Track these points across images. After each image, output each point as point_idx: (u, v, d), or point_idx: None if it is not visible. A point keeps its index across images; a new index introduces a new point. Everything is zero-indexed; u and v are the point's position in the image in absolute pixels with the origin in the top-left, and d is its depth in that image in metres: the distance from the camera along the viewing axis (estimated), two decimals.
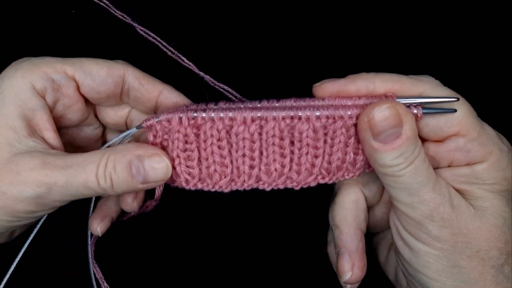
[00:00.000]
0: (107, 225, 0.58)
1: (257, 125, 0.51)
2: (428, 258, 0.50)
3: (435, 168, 0.52)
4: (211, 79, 0.62)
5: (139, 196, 0.58)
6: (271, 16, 0.71)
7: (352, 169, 0.54)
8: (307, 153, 0.52)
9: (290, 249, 0.70)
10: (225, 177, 0.53)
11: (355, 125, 0.51)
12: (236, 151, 0.52)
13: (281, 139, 0.52)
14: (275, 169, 0.53)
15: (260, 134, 0.51)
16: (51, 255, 0.67)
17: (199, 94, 0.57)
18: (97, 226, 0.58)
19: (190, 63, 0.62)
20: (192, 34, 0.70)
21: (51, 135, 0.52)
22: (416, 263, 0.51)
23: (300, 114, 0.50)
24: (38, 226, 0.57)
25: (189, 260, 0.69)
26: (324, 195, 0.61)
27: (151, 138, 0.53)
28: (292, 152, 0.52)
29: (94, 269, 0.59)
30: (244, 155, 0.52)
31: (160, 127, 0.52)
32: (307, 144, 0.52)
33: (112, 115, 0.58)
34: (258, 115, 0.51)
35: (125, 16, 0.65)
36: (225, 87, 0.61)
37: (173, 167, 0.53)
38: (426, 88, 0.51)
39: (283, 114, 0.50)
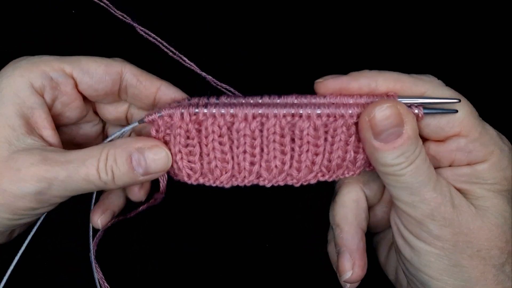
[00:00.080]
0: (108, 218, 0.58)
1: (258, 122, 0.51)
2: (429, 257, 0.50)
3: (436, 167, 0.52)
4: (213, 79, 0.62)
5: (145, 186, 0.58)
6: (271, 16, 0.71)
7: (353, 168, 0.54)
8: (307, 151, 0.53)
9: (290, 248, 0.70)
10: (226, 173, 0.54)
11: (356, 123, 0.51)
12: (237, 148, 0.52)
13: (282, 136, 0.52)
14: (276, 166, 0.53)
15: (261, 131, 0.52)
16: (52, 251, 0.67)
17: (200, 94, 0.57)
18: (98, 218, 0.58)
19: (191, 63, 0.62)
20: (192, 34, 0.70)
21: (49, 133, 0.52)
22: (417, 262, 0.51)
23: (301, 111, 0.51)
24: (36, 226, 0.57)
25: (190, 260, 0.69)
26: (324, 193, 0.61)
27: (153, 132, 0.53)
28: (292, 149, 0.53)
29: (96, 268, 0.59)
30: (245, 152, 0.53)
31: (162, 122, 0.52)
32: (308, 142, 0.52)
33: (112, 110, 0.58)
34: (259, 112, 0.51)
35: (125, 16, 0.65)
36: (227, 87, 0.61)
37: (175, 162, 0.53)
38: (428, 88, 0.51)
39: (284, 112, 0.51)
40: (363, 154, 0.54)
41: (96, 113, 0.60)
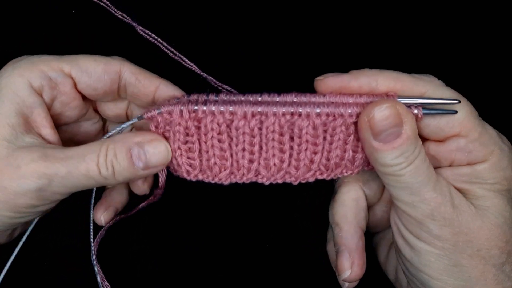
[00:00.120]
0: (110, 215, 0.58)
1: (257, 120, 0.51)
2: (429, 257, 0.50)
3: (436, 167, 0.53)
4: (214, 79, 0.62)
5: (148, 179, 0.59)
6: (271, 16, 0.71)
7: (351, 167, 0.55)
8: (306, 149, 0.53)
9: (288, 247, 0.70)
10: (225, 170, 0.54)
11: (355, 123, 0.51)
12: (236, 145, 0.53)
13: (281, 134, 0.52)
14: (274, 164, 0.53)
15: (260, 129, 0.52)
16: (52, 251, 0.67)
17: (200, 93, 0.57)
18: (101, 215, 0.58)
19: (192, 64, 0.62)
20: (192, 34, 0.70)
21: (48, 132, 0.52)
22: (417, 262, 0.51)
23: (300, 110, 0.51)
24: (31, 227, 0.57)
25: (190, 260, 0.69)
26: (322, 191, 0.61)
27: (153, 128, 0.53)
28: (291, 147, 0.53)
29: (97, 268, 0.59)
30: (244, 149, 0.53)
31: (162, 118, 0.52)
32: (307, 141, 0.52)
33: (113, 107, 0.58)
34: (259, 110, 0.51)
35: (125, 16, 0.65)
36: (228, 87, 0.61)
37: (175, 158, 0.54)
38: (428, 88, 0.51)
39: (283, 110, 0.51)
40: (362, 154, 0.54)
41: (96, 111, 0.60)
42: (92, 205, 0.59)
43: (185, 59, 0.63)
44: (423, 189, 0.49)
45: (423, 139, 0.52)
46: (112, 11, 0.66)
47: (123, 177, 0.51)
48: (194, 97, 0.53)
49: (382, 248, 0.62)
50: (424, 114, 0.50)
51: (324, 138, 0.52)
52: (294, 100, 0.52)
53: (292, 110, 0.51)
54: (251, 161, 0.53)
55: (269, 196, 0.68)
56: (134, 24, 0.65)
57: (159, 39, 0.64)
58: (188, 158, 0.54)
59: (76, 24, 0.68)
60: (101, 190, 0.62)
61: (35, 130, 0.52)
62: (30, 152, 0.49)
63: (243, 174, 0.54)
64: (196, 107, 0.51)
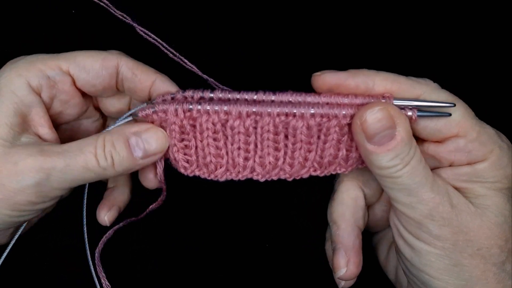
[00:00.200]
0: (114, 214, 0.58)
1: (252, 120, 0.52)
2: (430, 257, 0.50)
3: (436, 167, 0.53)
4: (214, 81, 0.62)
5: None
6: (271, 16, 0.71)
7: (345, 165, 0.55)
8: (300, 148, 0.53)
9: (288, 245, 0.70)
10: (220, 167, 0.55)
11: (349, 124, 0.52)
12: (232, 144, 0.53)
13: (276, 134, 0.52)
14: (269, 162, 0.54)
15: (255, 128, 0.52)
16: (53, 251, 0.67)
17: None
18: (105, 215, 0.58)
19: (192, 66, 0.62)
20: (192, 34, 0.70)
21: (46, 131, 0.53)
22: (418, 262, 0.51)
23: (294, 111, 0.51)
24: (23, 227, 0.57)
25: (190, 260, 0.69)
26: (317, 188, 0.63)
27: None
28: (286, 145, 0.53)
29: (98, 268, 0.59)
30: (239, 148, 0.53)
31: (157, 117, 0.52)
32: (301, 140, 0.53)
33: (115, 103, 0.58)
34: (254, 110, 0.51)
35: (125, 16, 0.65)
36: (227, 89, 0.61)
37: (172, 153, 0.54)
38: (424, 91, 0.51)
39: (278, 110, 0.51)
40: (356, 153, 0.54)
41: (96, 109, 0.60)
42: (84, 202, 0.59)
43: (185, 60, 0.63)
44: (421, 189, 0.49)
45: (422, 140, 0.53)
46: (112, 11, 0.66)
47: (123, 167, 0.51)
48: (189, 93, 0.53)
49: (382, 248, 0.62)
50: (418, 116, 0.51)
51: (318, 137, 0.53)
52: (289, 100, 0.52)
53: (286, 111, 0.51)
54: (246, 159, 0.54)
55: (266, 195, 0.69)
56: (134, 24, 0.65)
57: (159, 40, 0.64)
58: (185, 154, 0.55)
59: (76, 24, 0.68)
60: (99, 190, 0.62)
61: (33, 130, 0.52)
62: (27, 149, 0.49)
63: (239, 172, 0.55)
64: (191, 106, 0.51)
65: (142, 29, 0.65)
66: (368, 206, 0.60)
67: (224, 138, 0.53)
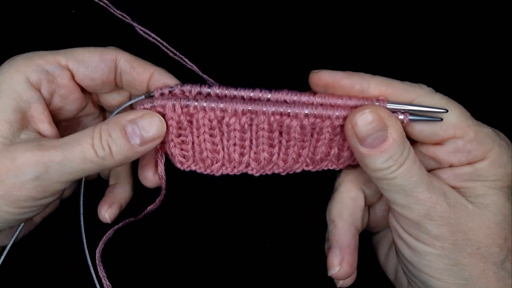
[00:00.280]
0: (115, 212, 0.59)
1: (248, 118, 0.52)
2: (429, 257, 0.50)
3: (437, 168, 0.53)
4: (214, 81, 0.62)
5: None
6: (271, 16, 0.71)
7: (336, 162, 0.57)
8: (294, 145, 0.55)
9: (285, 243, 0.70)
10: (217, 163, 0.56)
11: (342, 126, 0.52)
12: (228, 140, 0.54)
13: (271, 131, 0.54)
14: (264, 158, 0.55)
15: (250, 125, 0.53)
16: (53, 250, 0.67)
17: None
18: (105, 212, 0.58)
19: (192, 65, 0.62)
20: (192, 34, 0.70)
21: (46, 127, 0.53)
22: (417, 262, 0.52)
23: (289, 111, 0.52)
24: (20, 227, 0.58)
25: (190, 259, 0.69)
26: (313, 183, 0.64)
27: None
28: (280, 142, 0.55)
29: (99, 268, 0.59)
30: (235, 144, 0.55)
31: (155, 111, 0.53)
32: (295, 138, 0.54)
33: (116, 96, 0.59)
34: (249, 108, 0.52)
35: (125, 15, 0.65)
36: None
37: (169, 149, 0.55)
38: (418, 95, 0.52)
39: (273, 110, 0.52)
40: (347, 152, 0.56)
41: (95, 106, 0.60)
42: (81, 200, 0.59)
43: (185, 59, 0.63)
44: (417, 190, 0.49)
45: (421, 142, 0.53)
46: (112, 10, 0.66)
47: (122, 155, 0.51)
48: (187, 87, 0.54)
49: (382, 248, 0.62)
50: (410, 120, 0.51)
51: (312, 135, 0.54)
52: (285, 99, 0.53)
53: (281, 110, 0.52)
54: (242, 155, 0.55)
55: (261, 192, 0.69)
56: (134, 24, 0.65)
57: (158, 39, 0.64)
58: (182, 150, 0.55)
59: (76, 24, 0.68)
60: (102, 188, 0.62)
61: (33, 126, 0.52)
62: (25, 145, 0.49)
63: (234, 167, 0.56)
64: (188, 103, 0.52)
65: (142, 28, 0.65)
66: (369, 206, 0.61)
67: (220, 134, 0.54)
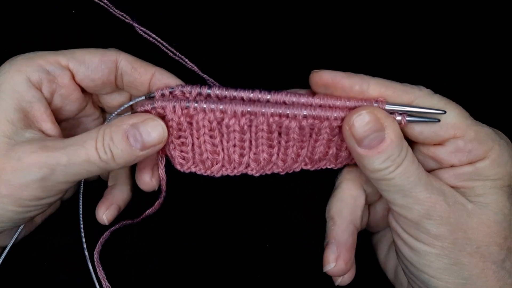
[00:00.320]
0: (113, 213, 0.58)
1: (247, 119, 0.53)
2: (429, 257, 0.51)
3: (438, 169, 0.53)
4: (214, 81, 0.62)
5: (156, 174, 0.58)
6: (271, 16, 0.71)
7: (334, 162, 0.58)
8: (293, 146, 0.55)
9: (284, 241, 0.70)
10: (217, 164, 0.56)
11: (340, 127, 0.53)
12: (227, 141, 0.55)
13: (270, 132, 0.54)
14: (264, 159, 0.56)
15: (250, 126, 0.53)
16: (53, 250, 0.67)
17: None
18: (103, 214, 0.58)
19: (192, 65, 0.62)
20: (192, 34, 0.70)
21: (49, 126, 0.53)
22: (417, 262, 0.52)
23: (288, 112, 0.52)
24: (21, 227, 0.58)
25: (189, 261, 0.69)
26: (312, 182, 0.64)
27: None
28: (279, 142, 0.55)
29: (98, 268, 0.59)
30: (235, 145, 0.55)
31: (155, 112, 0.53)
32: (294, 138, 0.54)
33: (116, 96, 0.59)
34: (248, 110, 0.52)
35: (124, 15, 0.65)
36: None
37: (168, 150, 0.56)
38: (417, 96, 0.52)
39: (272, 111, 0.52)
40: (345, 152, 0.56)
41: (95, 107, 0.60)
42: (80, 201, 0.59)
43: (185, 59, 0.63)
44: (415, 190, 0.50)
45: (421, 144, 0.53)
46: (111, 10, 0.66)
47: (123, 159, 0.51)
48: (187, 88, 0.54)
49: (382, 248, 0.63)
50: (408, 121, 0.51)
51: (310, 136, 0.54)
52: (284, 100, 0.53)
53: (280, 111, 0.52)
54: (241, 156, 0.56)
55: (260, 191, 0.69)
56: (134, 24, 0.65)
57: (158, 39, 0.64)
58: (181, 151, 0.56)
59: (76, 24, 0.69)
60: (101, 189, 0.62)
61: (36, 125, 0.52)
62: (30, 145, 0.49)
63: (234, 167, 0.56)
64: (188, 104, 0.52)
65: (142, 28, 0.65)
66: (370, 205, 0.61)
67: (220, 136, 0.54)
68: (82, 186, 0.60)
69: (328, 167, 0.58)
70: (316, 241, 0.61)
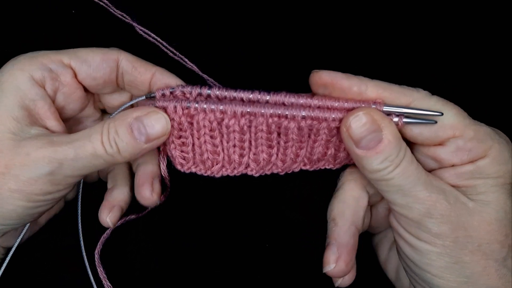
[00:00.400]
0: (116, 215, 0.58)
1: (247, 120, 0.53)
2: (431, 256, 0.51)
3: (439, 168, 0.53)
4: (214, 81, 0.62)
5: (156, 188, 0.58)
6: (271, 16, 0.71)
7: (333, 162, 0.58)
8: (292, 146, 0.56)
9: (283, 241, 0.70)
10: (217, 164, 0.57)
11: (338, 128, 0.53)
12: (227, 142, 0.55)
13: (269, 133, 0.54)
14: (263, 159, 0.56)
15: (249, 127, 0.54)
16: (54, 250, 0.67)
17: None
18: (107, 216, 0.57)
19: (192, 65, 0.62)
20: (192, 34, 0.70)
21: (53, 123, 0.53)
22: (419, 261, 0.52)
23: (286, 113, 0.52)
24: (24, 230, 0.58)
25: (189, 261, 0.69)
26: (310, 183, 0.65)
27: None
28: (278, 143, 0.56)
29: (99, 269, 0.59)
30: (234, 146, 0.55)
31: None
32: (292, 139, 0.55)
33: (117, 96, 0.59)
34: (248, 110, 0.53)
35: (124, 15, 0.66)
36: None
37: (169, 150, 0.56)
38: (415, 98, 0.52)
39: (271, 112, 0.52)
40: (344, 153, 0.57)
41: (96, 108, 0.60)
42: (79, 201, 0.60)
43: (185, 59, 0.63)
44: (415, 189, 0.50)
45: (421, 144, 0.53)
46: (111, 10, 0.66)
47: (129, 153, 0.51)
48: (187, 88, 0.54)
49: (383, 248, 0.62)
50: (405, 122, 0.52)
51: (309, 136, 0.55)
52: (283, 101, 0.53)
53: (279, 112, 0.52)
54: (241, 156, 0.56)
55: (259, 192, 0.69)
56: (134, 24, 0.65)
57: (158, 39, 0.65)
58: (182, 151, 0.56)
59: (76, 24, 0.69)
60: (103, 190, 0.62)
61: (40, 123, 0.53)
62: (37, 140, 0.50)
63: (234, 168, 0.57)
64: (188, 104, 0.53)
65: (142, 28, 0.65)
66: (372, 205, 0.61)
67: (220, 136, 0.55)
68: (81, 186, 0.60)
69: (327, 167, 0.59)
70: (316, 241, 0.61)
